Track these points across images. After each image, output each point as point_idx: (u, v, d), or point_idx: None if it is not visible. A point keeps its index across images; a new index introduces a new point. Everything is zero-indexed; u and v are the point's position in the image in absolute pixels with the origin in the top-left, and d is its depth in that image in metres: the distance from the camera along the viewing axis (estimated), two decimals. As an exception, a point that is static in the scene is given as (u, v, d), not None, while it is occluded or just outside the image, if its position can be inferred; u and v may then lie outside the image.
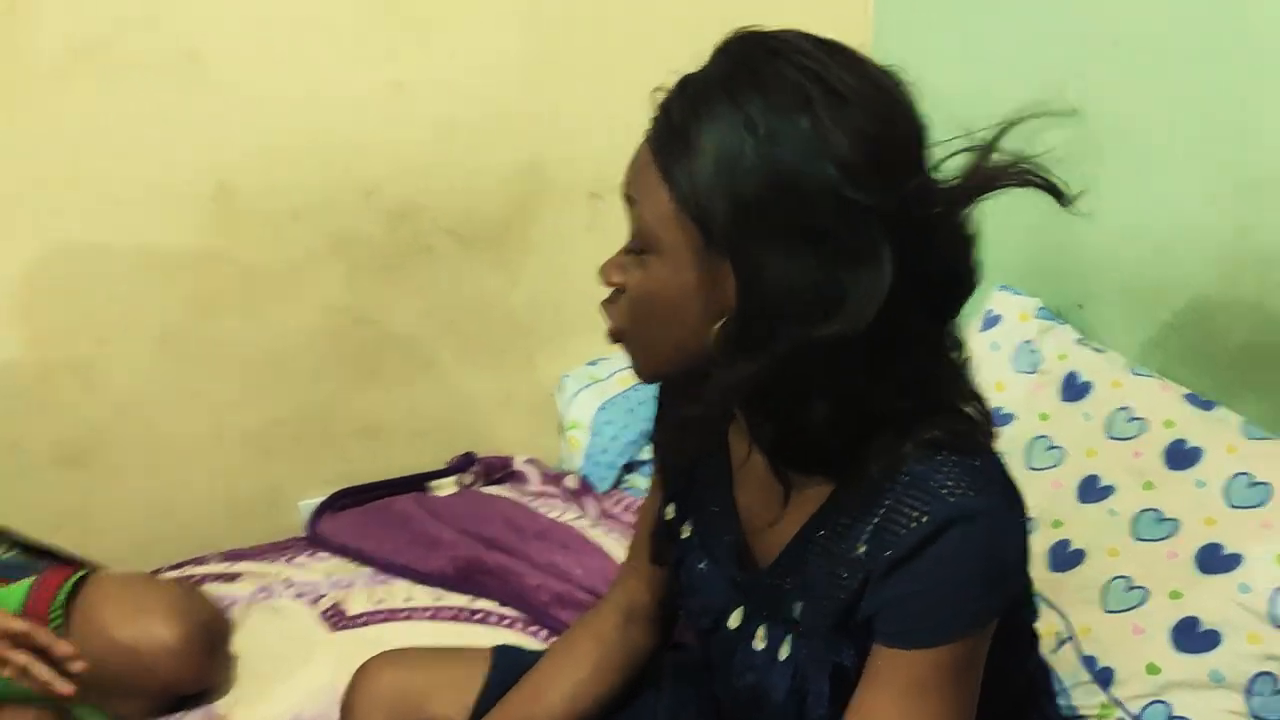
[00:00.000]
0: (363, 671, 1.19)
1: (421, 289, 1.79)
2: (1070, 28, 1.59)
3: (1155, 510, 1.34)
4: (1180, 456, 1.37)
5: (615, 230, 1.98)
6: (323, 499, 1.77)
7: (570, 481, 1.79)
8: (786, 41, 0.82)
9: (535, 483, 1.81)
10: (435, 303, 1.81)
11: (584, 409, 1.79)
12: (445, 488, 1.81)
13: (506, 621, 1.45)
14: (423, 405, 1.85)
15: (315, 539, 1.68)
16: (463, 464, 1.84)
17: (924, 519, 0.83)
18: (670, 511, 1.09)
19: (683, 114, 0.82)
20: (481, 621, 1.46)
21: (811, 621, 0.93)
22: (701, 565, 1.04)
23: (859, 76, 0.80)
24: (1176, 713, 1.17)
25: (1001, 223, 0.93)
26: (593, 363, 1.88)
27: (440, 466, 1.86)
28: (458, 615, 1.47)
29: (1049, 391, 1.55)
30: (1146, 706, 1.19)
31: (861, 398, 0.84)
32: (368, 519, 1.69)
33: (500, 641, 1.25)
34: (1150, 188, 1.49)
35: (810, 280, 0.79)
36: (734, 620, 1.00)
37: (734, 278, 0.81)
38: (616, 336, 0.92)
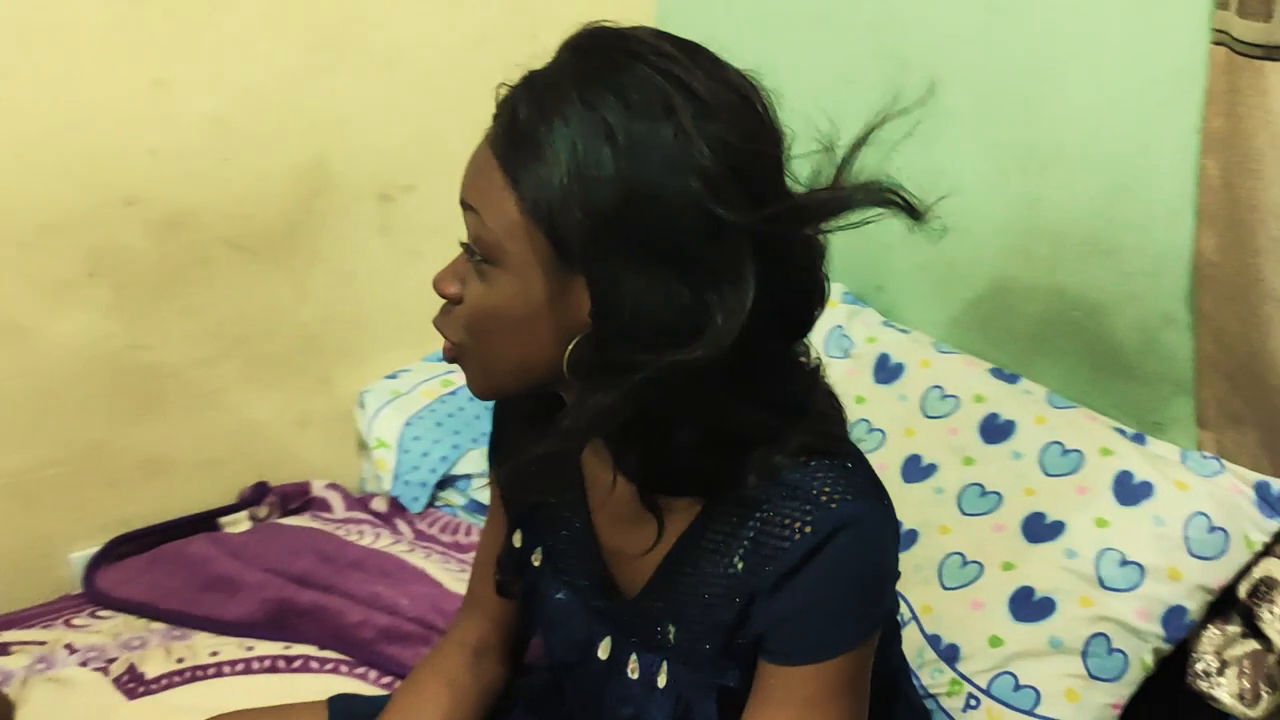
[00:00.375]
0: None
1: (200, 307, 1.63)
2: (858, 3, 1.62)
3: (978, 485, 1.38)
4: (994, 430, 1.41)
5: (408, 234, 1.87)
6: (98, 549, 1.58)
7: (378, 504, 1.68)
8: (644, 42, 0.76)
9: (340, 509, 1.69)
10: (217, 321, 1.65)
11: (389, 426, 1.68)
12: (238, 524, 1.66)
13: (330, 666, 1.34)
14: (210, 434, 1.69)
15: (94, 595, 1.50)
16: (255, 495, 1.70)
17: (808, 529, 0.80)
18: (518, 539, 1.02)
19: (531, 116, 0.75)
20: (301, 669, 1.34)
21: (688, 645, 0.88)
22: (559, 595, 0.98)
23: (721, 83, 0.75)
24: (1023, 682, 1.20)
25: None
26: (393, 376, 1.78)
27: (231, 501, 1.71)
28: (274, 665, 1.34)
29: (863, 375, 1.57)
30: (993, 679, 1.22)
31: (727, 417, 0.79)
32: (154, 567, 1.53)
33: (328, 689, 1.15)
34: (940, 165, 1.52)
35: (672, 301, 0.73)
36: (603, 651, 0.95)
37: (589, 296, 0.76)
38: (452, 353, 0.85)
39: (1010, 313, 1.52)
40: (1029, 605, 1.24)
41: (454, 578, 1.48)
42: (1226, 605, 1.28)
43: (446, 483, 1.68)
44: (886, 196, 0.76)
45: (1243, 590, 1.27)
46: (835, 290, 1.68)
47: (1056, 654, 1.21)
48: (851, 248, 1.73)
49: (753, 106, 0.76)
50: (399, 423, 1.68)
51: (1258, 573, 1.26)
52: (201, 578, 1.48)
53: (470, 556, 1.57)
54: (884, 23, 1.58)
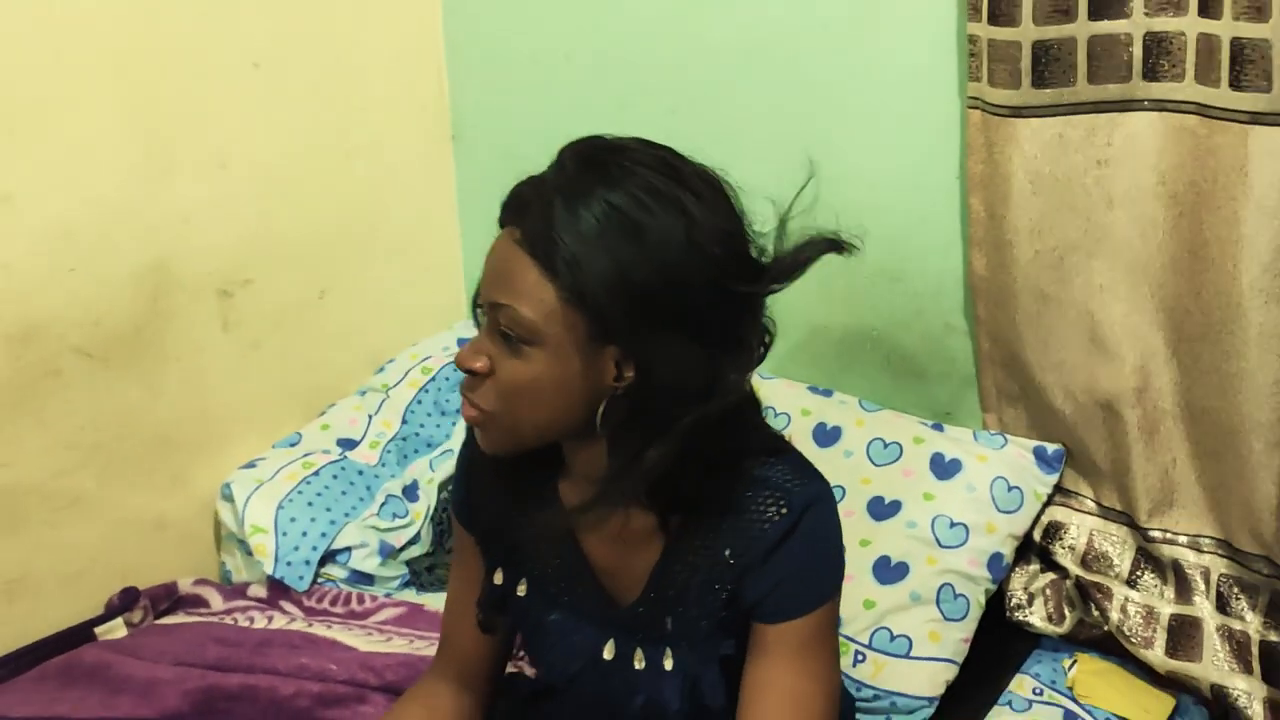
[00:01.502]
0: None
1: (54, 418, 1.62)
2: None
3: (822, 482, 1.63)
4: (825, 436, 1.67)
5: (248, 327, 1.98)
6: (-32, 678, 1.52)
7: (256, 590, 1.72)
8: (639, 150, 0.94)
9: (218, 602, 1.71)
10: (72, 430, 1.64)
11: (262, 512, 1.72)
12: (115, 631, 1.65)
13: (277, 739, 1.38)
14: (71, 546, 1.66)
15: (-15, 723, 1.45)
16: (125, 602, 1.68)
17: (783, 511, 1.00)
18: (499, 577, 1.15)
19: (564, 220, 0.90)
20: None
21: (688, 629, 1.05)
22: (554, 616, 1.11)
23: (704, 180, 0.95)
24: (896, 633, 1.45)
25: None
26: (250, 465, 1.81)
27: (99, 612, 1.68)
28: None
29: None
30: (872, 634, 1.46)
31: (728, 445, 0.99)
32: (46, 683, 1.49)
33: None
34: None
35: (696, 365, 0.93)
36: (608, 653, 1.09)
37: (616, 364, 0.93)
38: (479, 419, 0.98)
39: (818, 338, 1.79)
40: (888, 570, 1.50)
41: (366, 641, 1.55)
42: (1026, 549, 1.59)
43: (326, 559, 1.73)
44: (830, 242, 0.98)
45: (1037, 534, 1.59)
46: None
47: (917, 605, 1.47)
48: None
49: (725, 192, 0.96)
50: (271, 507, 1.73)
51: (1045, 519, 1.59)
52: (108, 683, 1.47)
53: (370, 621, 1.65)
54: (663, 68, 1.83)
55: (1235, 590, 1.41)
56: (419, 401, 1.97)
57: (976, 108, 1.46)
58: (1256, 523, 1.38)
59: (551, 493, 1.10)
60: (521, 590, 1.14)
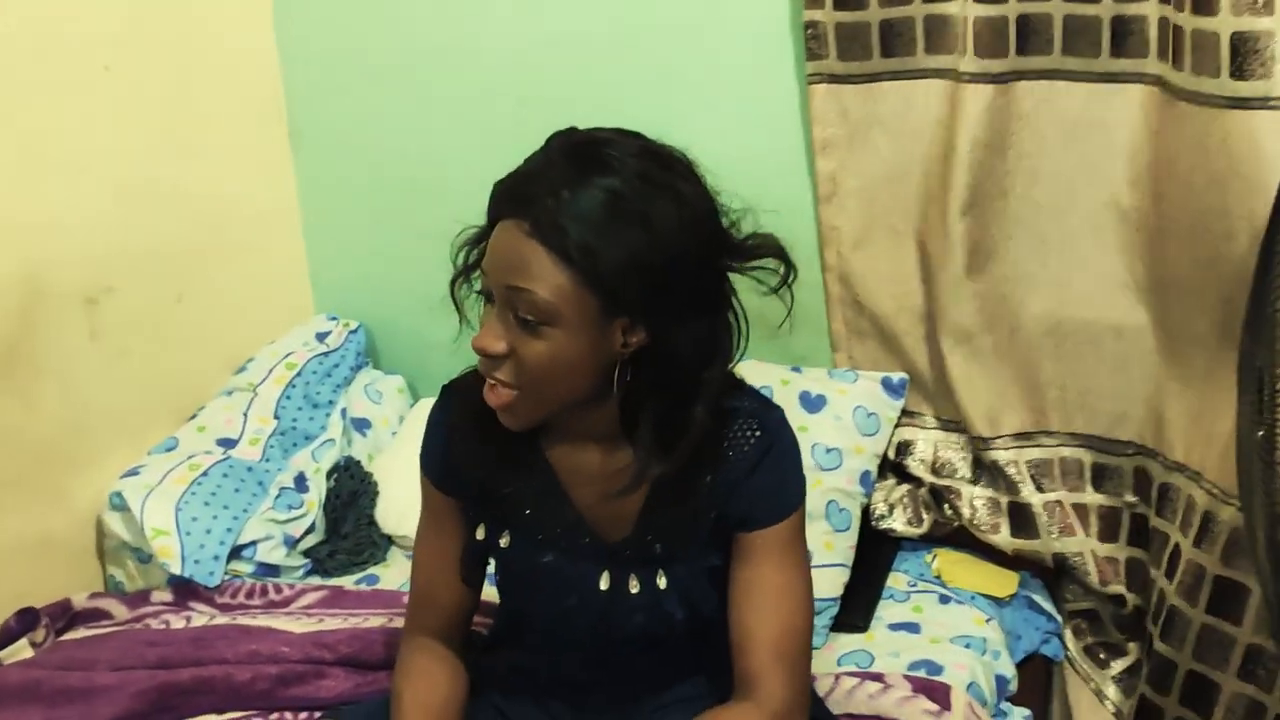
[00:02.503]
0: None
1: (-67, 440, 1.55)
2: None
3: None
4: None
5: (116, 336, 2.04)
6: None
7: (160, 595, 1.71)
8: (613, 139, 1.06)
9: (122, 611, 1.68)
10: (-48, 451, 1.57)
11: (161, 515, 1.71)
12: (20, 653, 1.59)
13: (246, 724, 1.41)
14: (-41, 572, 1.59)
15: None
16: (26, 622, 1.63)
17: (758, 433, 1.16)
18: (481, 532, 1.24)
19: (564, 208, 1.01)
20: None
21: (678, 549, 1.19)
22: (546, 559, 1.21)
23: (679, 162, 1.08)
24: (800, 547, 1.65)
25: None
26: (132, 473, 1.78)
27: (-7, 636, 1.62)
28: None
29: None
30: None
31: (721, 394, 1.13)
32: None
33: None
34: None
35: (703, 329, 1.08)
36: (604, 583, 1.21)
37: (636, 333, 1.06)
38: (507, 397, 1.08)
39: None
40: (782, 495, 1.70)
41: (299, 625, 1.59)
42: (882, 466, 1.83)
43: (230, 555, 1.74)
44: (783, 252, 1.14)
45: (891, 453, 1.83)
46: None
47: (812, 522, 1.66)
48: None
49: (697, 174, 1.10)
50: (170, 509, 1.71)
51: (897, 438, 1.84)
52: (44, 699, 1.43)
53: (294, 608, 1.68)
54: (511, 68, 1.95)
55: (1055, 472, 1.70)
56: (288, 397, 1.99)
57: (820, 82, 1.67)
58: (1044, 404, 1.68)
59: (536, 451, 1.20)
60: (504, 542, 1.23)
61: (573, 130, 1.09)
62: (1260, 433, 1.15)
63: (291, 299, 2.18)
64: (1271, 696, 1.45)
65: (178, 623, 1.62)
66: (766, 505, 1.17)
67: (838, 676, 1.48)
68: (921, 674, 1.49)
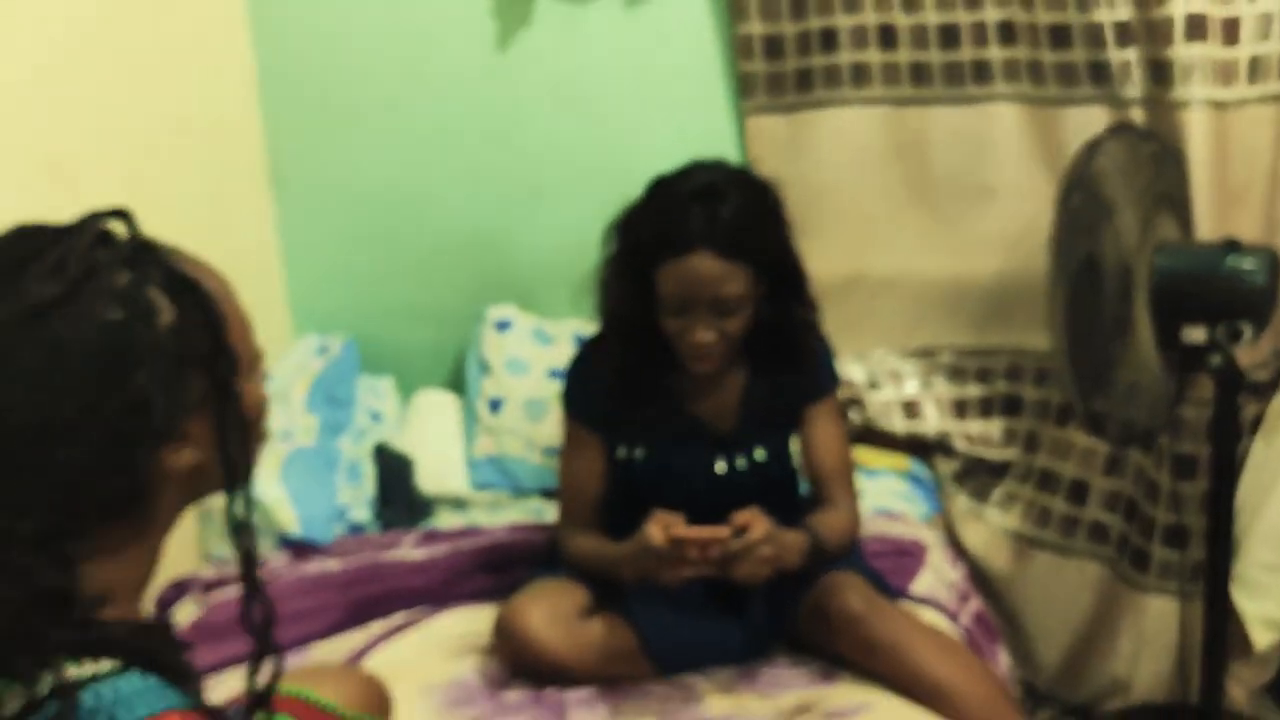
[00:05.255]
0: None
1: None
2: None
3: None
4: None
5: None
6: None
7: (277, 559, 2.04)
8: (713, 177, 1.68)
9: (280, 561, 2.01)
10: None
11: (273, 490, 2.05)
12: (189, 614, 1.90)
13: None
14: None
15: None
16: (180, 590, 1.93)
17: (820, 342, 1.78)
18: (622, 452, 1.77)
19: (728, 227, 1.59)
20: (407, 626, 1.81)
21: (768, 432, 1.79)
22: (673, 461, 1.75)
23: (752, 176, 1.70)
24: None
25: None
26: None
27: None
28: (396, 631, 1.78)
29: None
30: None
31: (802, 321, 1.75)
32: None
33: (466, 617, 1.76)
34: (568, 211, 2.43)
35: (799, 283, 1.71)
36: (720, 468, 1.77)
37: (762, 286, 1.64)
38: (716, 363, 1.67)
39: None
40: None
41: (422, 552, 2.00)
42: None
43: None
44: None
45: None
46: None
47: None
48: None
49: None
50: (278, 484, 2.06)
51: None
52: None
53: (403, 548, 2.07)
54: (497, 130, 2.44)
55: (934, 374, 2.41)
56: (315, 397, 2.35)
57: (752, 113, 2.31)
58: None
59: (661, 383, 1.74)
60: (639, 455, 1.77)
61: (685, 173, 1.67)
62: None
63: (273, 331, 2.50)
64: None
65: (313, 571, 1.98)
66: (825, 386, 1.79)
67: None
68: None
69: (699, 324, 1.61)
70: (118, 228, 0.92)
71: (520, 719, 1.59)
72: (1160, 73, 2.03)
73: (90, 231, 0.90)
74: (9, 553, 0.83)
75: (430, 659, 1.72)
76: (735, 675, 1.68)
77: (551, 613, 1.65)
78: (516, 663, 1.66)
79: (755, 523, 1.54)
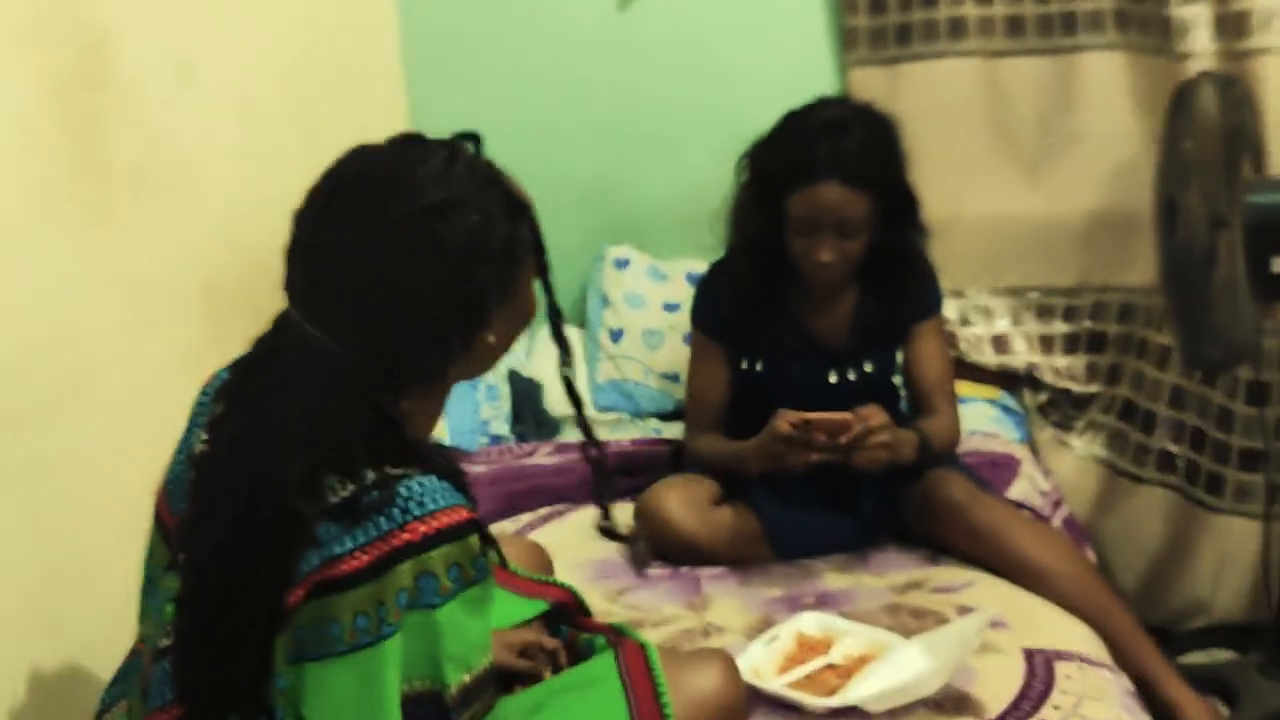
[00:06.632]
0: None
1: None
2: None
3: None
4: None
5: None
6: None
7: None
8: (841, 112, 1.88)
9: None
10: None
11: (424, 403, 2.29)
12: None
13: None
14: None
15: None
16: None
17: (925, 264, 1.96)
18: (745, 364, 1.97)
19: (852, 164, 1.78)
20: (552, 517, 2.04)
21: (876, 349, 1.98)
22: (790, 369, 1.95)
23: (875, 110, 1.90)
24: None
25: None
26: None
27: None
28: (542, 521, 2.02)
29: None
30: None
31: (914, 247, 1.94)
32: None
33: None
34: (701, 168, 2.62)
35: (914, 209, 1.89)
36: (833, 378, 1.97)
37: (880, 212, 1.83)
38: (839, 282, 1.88)
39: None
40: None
41: (557, 458, 2.23)
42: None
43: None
44: None
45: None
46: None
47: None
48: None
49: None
50: (430, 399, 2.30)
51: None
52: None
53: (538, 457, 2.29)
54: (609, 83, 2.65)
55: (1022, 311, 2.58)
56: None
57: (854, 65, 2.49)
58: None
59: (781, 302, 1.95)
60: (760, 367, 1.97)
61: (814, 108, 1.86)
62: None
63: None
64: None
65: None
66: (931, 306, 1.98)
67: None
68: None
69: (823, 244, 1.80)
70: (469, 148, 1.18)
71: (660, 589, 1.81)
72: (1235, 24, 2.17)
73: (460, 150, 1.16)
74: (363, 382, 1.08)
75: (576, 543, 1.94)
76: (849, 559, 1.88)
77: (687, 499, 1.87)
78: (655, 543, 1.88)
79: (875, 413, 1.73)
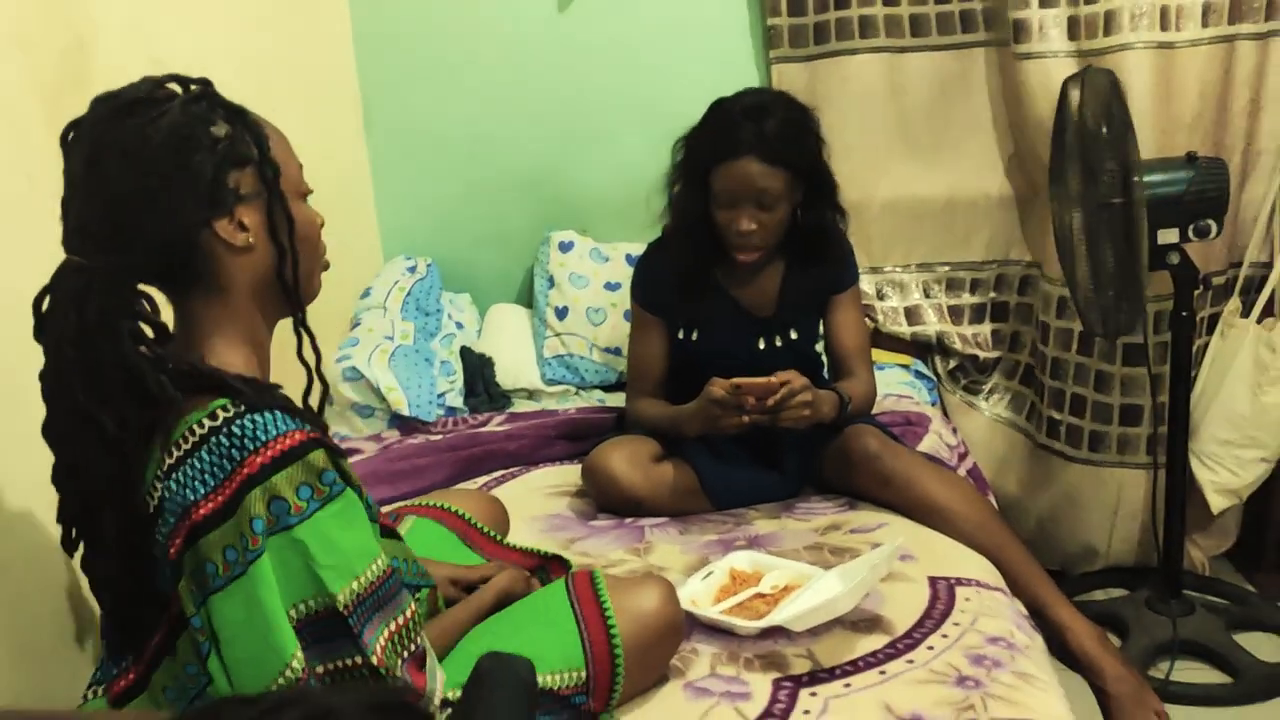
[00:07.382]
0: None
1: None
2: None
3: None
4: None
5: None
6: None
7: (389, 434, 2.45)
8: (762, 98, 2.14)
9: (371, 447, 2.42)
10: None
11: (386, 377, 2.46)
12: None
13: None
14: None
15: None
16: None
17: (842, 240, 2.18)
18: (681, 334, 2.18)
19: (771, 140, 1.97)
20: (506, 479, 2.23)
21: (801, 316, 2.19)
22: (723, 337, 2.15)
23: (789, 96, 2.10)
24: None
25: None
26: (344, 358, 2.50)
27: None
28: (496, 483, 2.21)
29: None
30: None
31: (831, 220, 2.14)
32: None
33: (554, 473, 2.20)
34: (619, 148, 2.83)
35: (829, 186, 2.09)
36: (761, 345, 2.18)
37: (798, 187, 2.03)
38: (761, 254, 2.05)
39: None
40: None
41: (509, 426, 2.42)
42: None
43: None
44: None
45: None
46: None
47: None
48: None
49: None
50: (390, 373, 2.47)
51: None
52: (386, 478, 2.18)
53: (490, 426, 2.48)
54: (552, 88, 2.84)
55: (932, 285, 2.82)
56: (408, 308, 2.75)
57: (776, 62, 2.70)
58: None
59: (713, 277, 2.15)
60: (695, 336, 2.18)
61: (739, 96, 2.06)
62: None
63: (366, 252, 2.92)
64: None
65: (422, 441, 2.40)
66: (849, 278, 2.20)
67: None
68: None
69: (744, 215, 2.00)
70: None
71: (608, 537, 2.00)
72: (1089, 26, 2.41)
73: (178, 83, 1.22)
74: (118, 282, 1.16)
75: (529, 500, 2.13)
76: (777, 507, 2.10)
77: (630, 456, 2.07)
78: (601, 498, 2.08)
79: (795, 376, 1.95)
